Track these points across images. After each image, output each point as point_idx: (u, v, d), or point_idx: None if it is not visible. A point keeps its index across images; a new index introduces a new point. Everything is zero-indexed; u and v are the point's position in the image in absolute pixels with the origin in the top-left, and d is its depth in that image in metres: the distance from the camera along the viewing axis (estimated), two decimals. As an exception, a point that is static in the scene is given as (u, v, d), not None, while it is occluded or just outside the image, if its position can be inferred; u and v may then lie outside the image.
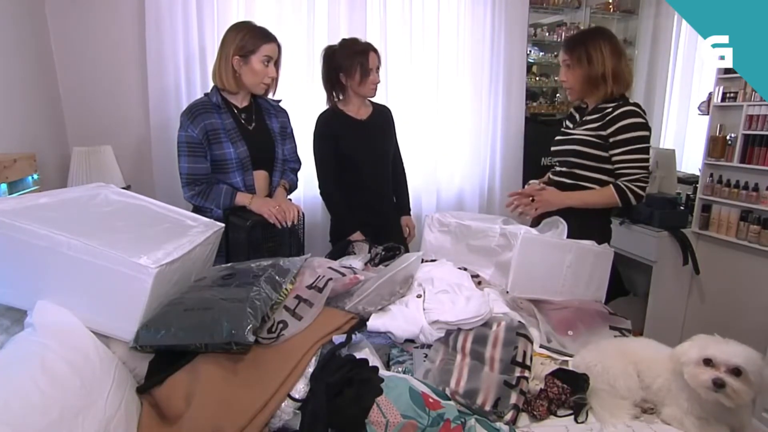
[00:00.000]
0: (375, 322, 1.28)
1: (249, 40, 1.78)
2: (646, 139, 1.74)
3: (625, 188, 1.72)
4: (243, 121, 1.86)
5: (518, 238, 1.54)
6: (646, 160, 1.74)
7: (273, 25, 2.54)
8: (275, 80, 1.91)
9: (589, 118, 1.84)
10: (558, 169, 1.94)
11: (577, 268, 1.59)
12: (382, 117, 2.22)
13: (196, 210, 1.77)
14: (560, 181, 1.90)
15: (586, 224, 1.75)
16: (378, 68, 2.08)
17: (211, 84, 1.88)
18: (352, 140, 2.10)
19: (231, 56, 1.78)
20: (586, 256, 1.62)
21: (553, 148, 1.98)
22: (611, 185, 1.75)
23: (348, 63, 2.03)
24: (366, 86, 2.07)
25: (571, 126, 1.94)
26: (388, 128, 2.24)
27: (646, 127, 1.74)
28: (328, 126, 2.11)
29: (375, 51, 2.06)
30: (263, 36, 1.80)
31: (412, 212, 2.39)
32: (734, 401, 1.01)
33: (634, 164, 1.72)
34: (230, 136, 1.80)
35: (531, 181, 2.02)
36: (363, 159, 2.13)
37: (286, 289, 1.27)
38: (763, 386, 1.02)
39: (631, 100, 1.79)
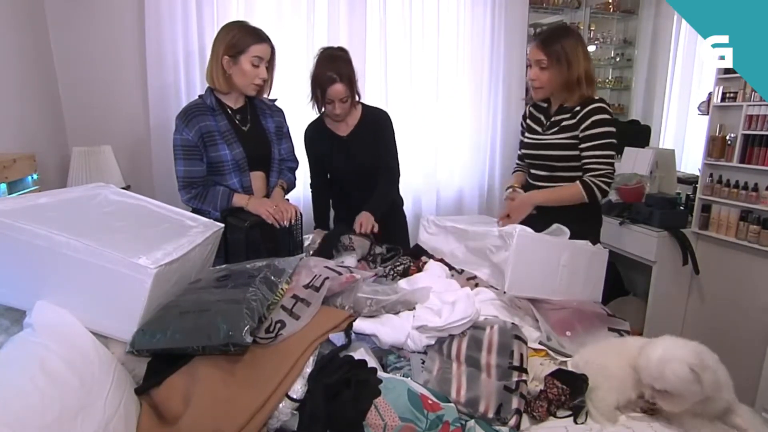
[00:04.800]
0: (362, 325, 1.27)
1: (239, 39, 1.75)
2: (613, 135, 1.74)
3: (591, 184, 1.72)
4: (238, 122, 1.86)
5: (514, 237, 1.53)
6: (612, 157, 1.75)
7: (273, 25, 2.56)
8: (269, 82, 1.88)
9: (558, 118, 1.82)
10: (536, 173, 1.93)
11: (572, 266, 1.59)
12: (370, 128, 2.10)
13: (195, 211, 1.77)
14: (542, 186, 1.88)
15: (577, 230, 1.70)
16: (344, 98, 1.94)
17: (211, 86, 1.87)
18: (332, 156, 2.10)
19: (221, 55, 1.76)
20: (581, 255, 1.62)
21: (524, 151, 1.97)
22: (578, 181, 1.75)
23: (312, 86, 1.98)
24: (330, 113, 2.01)
25: (539, 129, 1.92)
26: (376, 139, 2.10)
27: (613, 123, 1.75)
28: (310, 141, 2.13)
29: (342, 81, 1.91)
30: (254, 36, 1.77)
31: (411, 212, 2.38)
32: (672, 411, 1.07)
33: (601, 159, 1.73)
34: (225, 137, 1.80)
35: (507, 189, 1.98)
36: (344, 173, 2.13)
37: (282, 289, 1.27)
38: (711, 387, 1.04)
39: (596, 97, 1.78)
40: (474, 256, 1.69)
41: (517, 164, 2.15)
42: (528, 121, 2.01)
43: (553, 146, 1.83)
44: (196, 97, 1.95)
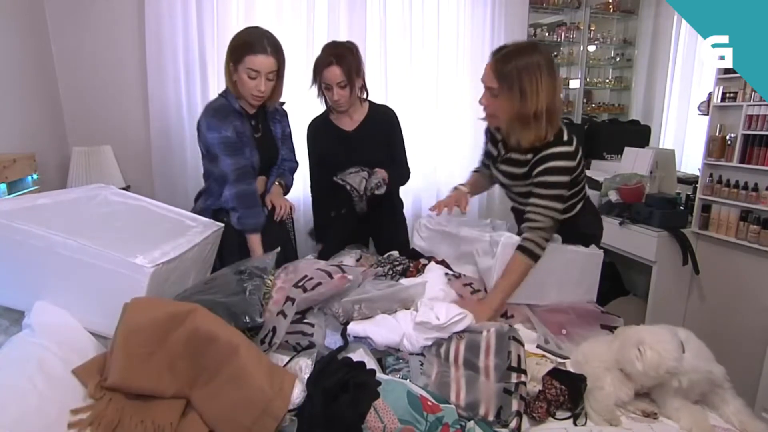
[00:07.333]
0: (356, 327, 1.26)
1: (237, 46, 1.69)
2: (565, 186, 1.49)
3: (531, 246, 1.46)
4: (252, 127, 1.81)
5: (498, 245, 1.49)
6: (558, 210, 1.49)
7: (273, 25, 2.54)
8: (278, 92, 1.82)
9: (513, 157, 1.56)
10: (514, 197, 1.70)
11: (564, 271, 1.57)
12: (377, 125, 2.06)
13: (215, 212, 1.75)
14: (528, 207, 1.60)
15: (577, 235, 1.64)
16: (342, 83, 1.85)
17: (210, 85, 1.85)
18: (337, 153, 2.03)
19: (228, 60, 1.72)
20: (574, 259, 1.60)
21: (503, 186, 1.72)
22: (517, 253, 1.47)
23: (313, 75, 1.93)
24: (330, 101, 1.95)
25: (494, 153, 1.67)
26: (383, 136, 2.07)
27: (569, 171, 1.49)
28: (314, 137, 2.06)
29: (338, 64, 1.83)
30: (250, 46, 1.66)
31: (411, 212, 2.35)
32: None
33: (542, 211, 1.47)
34: (249, 141, 1.76)
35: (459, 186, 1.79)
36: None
37: (269, 279, 1.34)
38: (652, 367, 1.10)
39: (564, 136, 1.49)
40: (466, 264, 1.68)
41: (478, 168, 1.90)
42: (489, 145, 1.74)
43: (520, 195, 1.61)
44: (196, 97, 1.95)
